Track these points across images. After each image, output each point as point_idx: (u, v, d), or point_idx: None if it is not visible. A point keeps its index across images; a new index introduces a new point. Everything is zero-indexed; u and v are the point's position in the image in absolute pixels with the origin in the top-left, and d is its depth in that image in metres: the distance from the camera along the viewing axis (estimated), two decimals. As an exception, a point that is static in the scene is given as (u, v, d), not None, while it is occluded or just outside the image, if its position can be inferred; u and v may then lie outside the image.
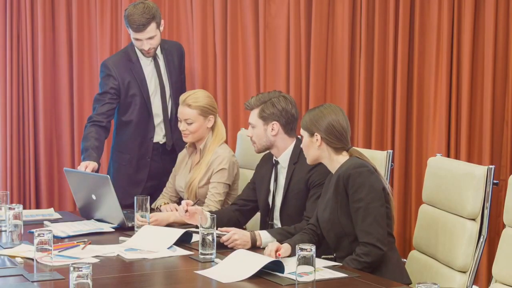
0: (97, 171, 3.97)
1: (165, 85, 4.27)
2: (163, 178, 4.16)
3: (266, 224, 3.60)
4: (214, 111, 3.88)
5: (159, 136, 4.30)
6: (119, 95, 4.21)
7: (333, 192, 3.05)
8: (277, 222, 3.55)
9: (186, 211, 3.38)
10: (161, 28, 4.17)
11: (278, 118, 3.48)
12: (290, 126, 3.50)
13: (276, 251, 2.96)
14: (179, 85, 4.35)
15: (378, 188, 3.00)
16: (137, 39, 4.14)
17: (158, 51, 4.26)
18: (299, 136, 3.47)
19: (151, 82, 4.25)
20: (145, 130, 4.27)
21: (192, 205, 3.42)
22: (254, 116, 3.53)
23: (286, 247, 3.02)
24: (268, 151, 3.59)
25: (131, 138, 4.28)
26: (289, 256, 2.99)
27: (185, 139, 3.91)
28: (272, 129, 3.49)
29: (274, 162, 3.57)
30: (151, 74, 4.26)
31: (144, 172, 4.30)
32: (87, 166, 3.91)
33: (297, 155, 3.48)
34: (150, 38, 4.12)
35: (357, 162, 3.04)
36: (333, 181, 3.07)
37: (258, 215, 3.71)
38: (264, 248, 3.16)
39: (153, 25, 4.10)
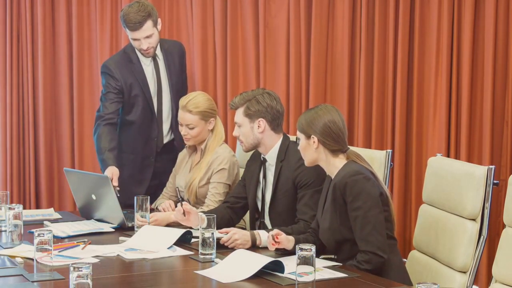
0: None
1: (163, 86, 4.27)
2: (164, 177, 4.15)
3: (254, 221, 3.61)
4: (214, 114, 3.88)
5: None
6: (123, 95, 4.21)
7: (331, 202, 3.03)
8: (266, 220, 3.55)
9: (183, 213, 3.39)
10: (159, 27, 4.16)
11: (264, 115, 3.48)
12: (276, 122, 3.50)
13: (277, 236, 2.99)
14: (179, 86, 4.34)
15: (375, 194, 2.97)
16: (135, 39, 4.12)
17: (158, 52, 4.26)
18: (286, 133, 3.52)
19: (151, 83, 4.25)
20: (149, 130, 4.27)
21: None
22: (239, 115, 3.53)
23: (290, 238, 3.04)
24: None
25: (135, 138, 4.28)
26: (289, 254, 3.00)
27: (187, 143, 3.92)
28: (258, 126, 3.49)
29: (262, 159, 3.57)
30: (151, 74, 4.25)
31: (148, 172, 4.31)
32: (112, 173, 3.89)
33: (284, 152, 3.49)
34: (148, 37, 4.10)
35: (352, 169, 3.01)
36: (330, 190, 3.06)
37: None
38: (263, 248, 3.17)
39: (149, 23, 4.08)
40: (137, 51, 4.21)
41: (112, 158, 4.02)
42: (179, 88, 4.32)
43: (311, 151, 3.11)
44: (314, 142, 3.08)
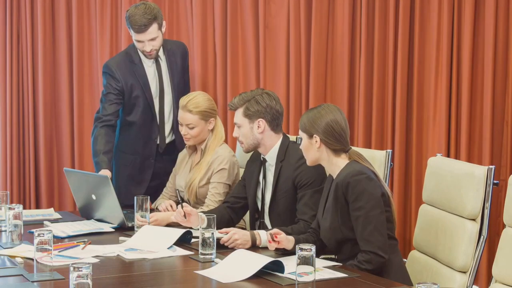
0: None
1: (165, 88, 4.27)
2: (164, 177, 4.15)
3: (254, 221, 3.61)
4: (215, 114, 3.88)
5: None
6: (123, 96, 4.21)
7: (333, 201, 3.04)
8: (266, 220, 3.55)
9: (184, 215, 3.39)
10: (163, 29, 4.16)
11: (263, 115, 3.49)
12: (275, 122, 3.51)
13: (276, 235, 2.98)
14: (182, 87, 4.34)
15: (377, 195, 2.98)
16: (138, 41, 4.12)
17: (161, 53, 4.25)
18: (286, 134, 3.52)
19: (152, 84, 4.25)
20: (149, 131, 4.26)
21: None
22: (239, 116, 3.53)
23: (290, 238, 3.04)
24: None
25: (135, 139, 4.28)
26: (289, 254, 2.99)
27: (187, 143, 3.92)
28: (258, 126, 3.49)
29: (262, 160, 3.57)
30: (153, 75, 4.25)
31: (148, 172, 4.31)
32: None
33: (284, 152, 3.49)
34: (152, 39, 4.10)
35: (355, 169, 3.01)
36: (332, 189, 3.07)
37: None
38: (263, 248, 3.17)
39: (154, 26, 4.08)
40: (139, 52, 4.21)
41: (106, 161, 4.02)
42: (181, 89, 4.32)
43: (313, 151, 3.11)
44: (316, 141, 3.08)
